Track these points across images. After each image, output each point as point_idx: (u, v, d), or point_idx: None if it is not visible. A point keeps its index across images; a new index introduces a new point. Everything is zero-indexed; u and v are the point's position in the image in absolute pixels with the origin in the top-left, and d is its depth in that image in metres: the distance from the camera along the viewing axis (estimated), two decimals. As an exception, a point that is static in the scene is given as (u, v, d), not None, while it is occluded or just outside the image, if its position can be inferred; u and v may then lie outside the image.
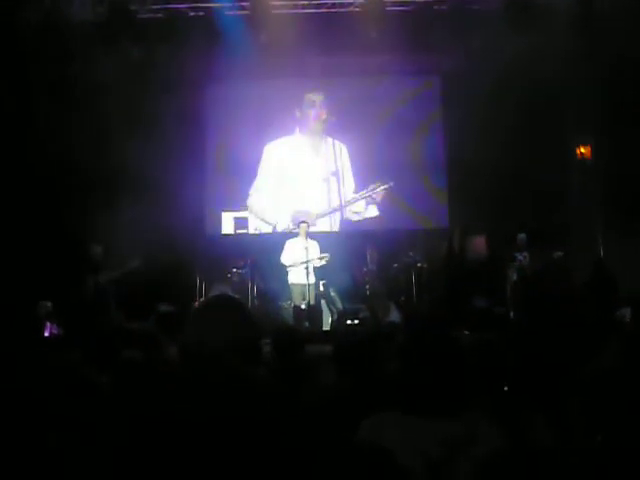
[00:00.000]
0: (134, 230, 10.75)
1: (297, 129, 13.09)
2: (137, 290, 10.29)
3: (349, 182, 12.92)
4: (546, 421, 2.34)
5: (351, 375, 3.04)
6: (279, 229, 12.67)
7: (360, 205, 12.80)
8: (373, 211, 12.80)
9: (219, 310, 2.09)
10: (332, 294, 10.98)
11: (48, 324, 8.85)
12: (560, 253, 10.49)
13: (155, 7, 11.90)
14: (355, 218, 12.86)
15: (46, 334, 8.56)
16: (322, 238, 11.00)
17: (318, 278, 10.80)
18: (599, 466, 1.80)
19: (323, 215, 12.42)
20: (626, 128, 10.58)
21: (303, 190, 12.87)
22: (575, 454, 2.09)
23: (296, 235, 10.83)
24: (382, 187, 12.55)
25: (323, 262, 10.57)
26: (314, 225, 11.74)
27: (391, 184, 12.52)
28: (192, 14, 11.94)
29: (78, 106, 11.19)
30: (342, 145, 12.96)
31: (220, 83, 13.06)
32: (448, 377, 2.08)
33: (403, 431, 1.97)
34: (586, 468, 1.91)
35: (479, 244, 10.26)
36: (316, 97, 13.00)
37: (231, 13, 11.93)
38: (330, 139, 12.98)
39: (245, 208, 12.92)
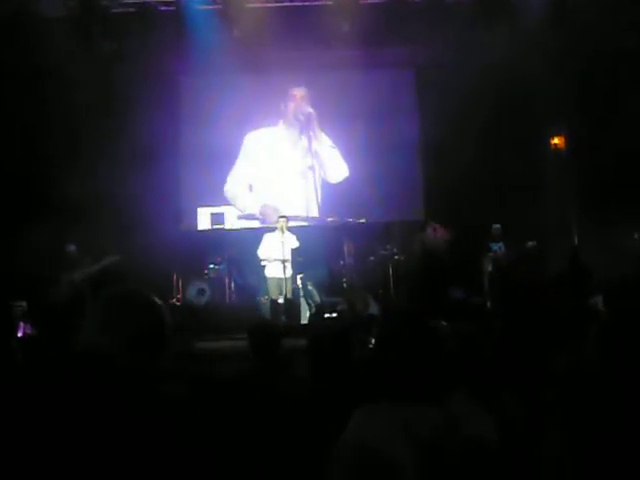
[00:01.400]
0: (109, 227, 10.71)
1: (280, 121, 13.06)
2: (113, 287, 10.20)
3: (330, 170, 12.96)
4: (523, 411, 2.36)
5: (324, 368, 3.04)
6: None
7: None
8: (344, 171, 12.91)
9: (117, 305, 2.00)
10: (309, 288, 10.97)
11: (22, 324, 8.76)
12: (534, 243, 10.57)
13: (127, 2, 11.79)
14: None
15: (20, 334, 8.47)
16: (299, 232, 10.97)
17: (295, 272, 10.79)
18: (574, 453, 1.82)
19: (294, 219, 12.33)
20: (599, 119, 10.68)
21: (279, 183, 12.85)
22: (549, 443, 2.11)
23: (273, 230, 10.76)
24: (358, 221, 12.58)
25: (299, 259, 10.55)
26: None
27: (363, 220, 12.56)
28: (163, 8, 11.85)
29: (49, 101, 11.08)
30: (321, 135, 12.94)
31: (194, 78, 12.99)
32: (429, 364, 2.10)
33: (391, 419, 1.97)
34: (560, 455, 1.93)
35: (439, 230, 10.29)
36: (297, 91, 12.97)
37: (202, 7, 11.85)
38: (305, 136, 12.93)
39: (221, 204, 12.86)
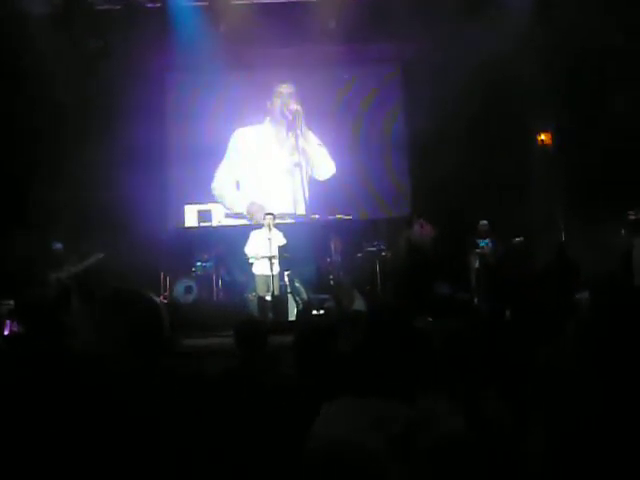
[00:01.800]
0: (95, 225, 10.67)
1: (267, 119, 13.03)
2: (100, 285, 10.18)
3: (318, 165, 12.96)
4: (504, 406, 2.36)
5: (309, 364, 3.04)
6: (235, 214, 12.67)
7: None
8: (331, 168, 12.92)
9: (118, 306, 1.98)
10: (297, 285, 10.96)
11: (9, 322, 8.72)
12: (521, 239, 10.60)
13: (112, -2, 11.73)
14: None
15: (6, 332, 8.43)
16: (287, 228, 10.95)
17: (283, 269, 10.77)
18: (552, 449, 1.83)
19: (281, 216, 12.30)
20: (586, 116, 10.71)
21: (266, 180, 12.83)
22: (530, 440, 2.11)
23: (260, 227, 10.73)
24: (344, 217, 12.55)
25: (285, 255, 10.53)
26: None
27: (350, 216, 12.54)
28: (149, 5, 11.79)
29: (34, 99, 11.01)
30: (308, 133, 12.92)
31: (180, 75, 12.96)
32: (404, 361, 2.10)
33: (360, 414, 1.97)
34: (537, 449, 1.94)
35: (425, 227, 10.30)
36: (283, 88, 12.95)
37: (188, 4, 11.80)
38: (292, 133, 12.92)
39: (208, 201, 12.83)
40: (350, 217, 12.53)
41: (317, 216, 12.53)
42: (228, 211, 12.82)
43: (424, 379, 2.16)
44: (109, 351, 1.85)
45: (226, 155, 12.95)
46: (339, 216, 12.47)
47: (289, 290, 10.85)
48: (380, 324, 2.27)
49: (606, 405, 1.63)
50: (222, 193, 12.87)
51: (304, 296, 10.81)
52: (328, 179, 12.91)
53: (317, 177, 12.92)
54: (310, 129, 12.87)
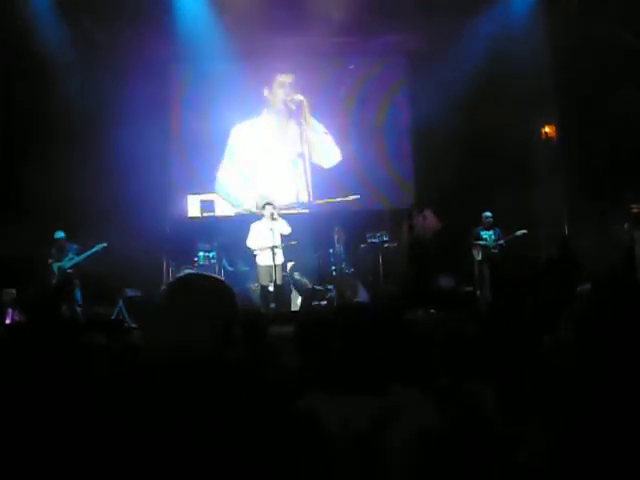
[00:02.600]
0: (98, 214, 10.69)
1: (264, 110, 13.02)
2: (103, 274, 10.21)
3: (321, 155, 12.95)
4: (502, 401, 2.36)
5: (310, 355, 3.03)
6: (244, 211, 12.63)
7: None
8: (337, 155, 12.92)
9: (192, 296, 1.90)
10: (297, 277, 10.99)
11: (11, 311, 8.77)
12: (524, 231, 10.58)
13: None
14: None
15: (8, 321, 8.48)
16: (289, 219, 10.92)
17: (287, 259, 10.76)
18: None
19: (288, 207, 12.29)
20: (591, 108, 10.67)
21: (270, 172, 12.81)
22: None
23: (260, 218, 10.64)
24: (351, 198, 12.53)
25: (292, 242, 10.50)
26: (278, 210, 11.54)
27: (358, 196, 12.52)
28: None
29: (40, 87, 11.02)
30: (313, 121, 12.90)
31: (184, 65, 12.92)
32: (372, 355, 2.10)
33: (332, 408, 1.97)
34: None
35: (429, 219, 10.29)
36: (285, 78, 12.92)
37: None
38: (295, 117, 12.91)
39: (211, 191, 12.83)
40: (358, 197, 12.50)
41: (325, 201, 12.51)
42: (238, 209, 12.78)
43: (399, 371, 2.16)
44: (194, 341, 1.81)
45: (226, 153, 12.92)
46: (351, 197, 12.45)
47: (292, 281, 10.86)
48: (340, 319, 2.28)
49: (605, 400, 1.63)
50: (227, 192, 12.85)
51: (307, 287, 10.83)
52: (332, 168, 12.88)
53: (323, 165, 12.90)
54: (315, 117, 12.86)
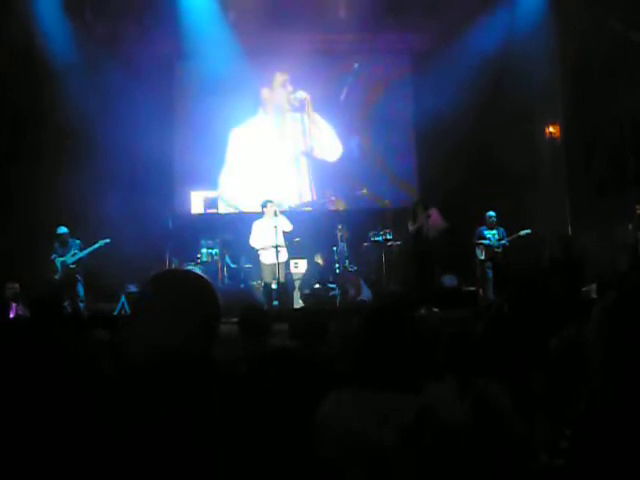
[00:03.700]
0: (101, 209, 10.68)
1: (270, 109, 13.01)
2: (105, 270, 10.21)
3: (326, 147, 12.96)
4: (512, 400, 2.36)
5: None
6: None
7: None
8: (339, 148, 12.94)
9: (172, 292, 1.84)
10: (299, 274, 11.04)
11: (14, 305, 8.77)
12: (528, 231, 10.56)
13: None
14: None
15: (11, 315, 8.48)
16: (293, 217, 10.89)
17: (291, 257, 10.73)
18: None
19: (293, 208, 12.28)
20: (595, 107, 10.64)
21: (271, 174, 12.79)
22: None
23: (262, 216, 10.46)
24: (364, 191, 12.53)
25: (295, 240, 10.47)
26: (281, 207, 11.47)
27: (364, 191, 12.51)
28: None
29: (42, 81, 11.03)
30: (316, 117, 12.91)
31: (187, 61, 12.88)
32: (403, 352, 2.10)
33: (370, 406, 1.98)
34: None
35: (434, 217, 10.25)
36: (286, 76, 12.91)
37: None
38: (299, 114, 12.91)
39: (214, 188, 12.83)
40: (366, 192, 12.52)
41: (333, 197, 12.53)
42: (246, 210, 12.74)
43: (427, 369, 2.16)
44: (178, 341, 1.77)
45: (227, 157, 12.93)
46: (364, 191, 12.46)
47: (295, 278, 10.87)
48: (369, 317, 2.27)
49: (623, 398, 1.61)
50: (231, 197, 12.85)
51: (309, 284, 10.85)
52: (337, 165, 12.88)
53: (326, 159, 12.90)
54: (318, 113, 12.86)
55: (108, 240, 10.14)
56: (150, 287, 1.87)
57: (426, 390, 2.04)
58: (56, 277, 9.98)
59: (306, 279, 10.96)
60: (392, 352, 2.08)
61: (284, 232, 10.18)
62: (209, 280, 1.98)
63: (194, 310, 1.81)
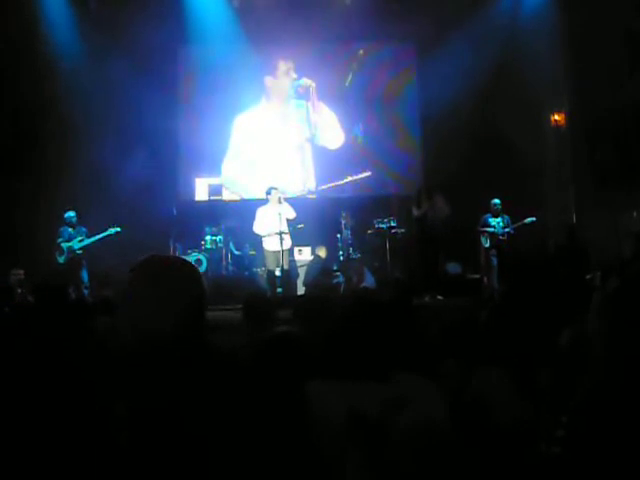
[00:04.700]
0: (107, 197, 10.69)
1: (268, 97, 12.97)
2: (110, 256, 10.21)
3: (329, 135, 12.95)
4: (518, 391, 2.35)
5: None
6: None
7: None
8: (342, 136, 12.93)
9: (158, 278, 1.81)
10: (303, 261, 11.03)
11: (19, 291, 8.77)
12: (533, 219, 10.52)
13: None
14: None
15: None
16: (296, 204, 10.86)
17: (294, 244, 10.71)
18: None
19: (297, 197, 12.27)
20: (601, 96, 10.59)
21: (276, 162, 12.78)
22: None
23: (266, 202, 10.41)
24: (361, 176, 12.51)
25: (299, 226, 10.45)
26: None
27: (369, 173, 12.48)
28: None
29: (47, 67, 11.02)
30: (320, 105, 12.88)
31: (192, 48, 12.87)
32: (374, 342, 2.10)
33: (341, 395, 1.97)
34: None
35: (438, 204, 10.20)
36: (290, 64, 12.87)
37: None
38: (303, 101, 12.88)
39: (218, 175, 12.83)
40: (370, 174, 12.49)
41: (334, 184, 12.53)
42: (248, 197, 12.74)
43: (402, 358, 2.15)
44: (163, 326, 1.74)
45: (230, 144, 12.91)
46: (363, 174, 12.45)
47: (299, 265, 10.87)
48: (345, 306, 2.27)
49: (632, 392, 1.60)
50: (234, 183, 12.85)
51: (313, 271, 10.84)
52: (341, 152, 12.86)
53: (329, 146, 12.89)
54: (321, 100, 12.83)
55: (119, 229, 10.09)
56: (136, 273, 1.84)
57: (395, 380, 2.03)
58: (60, 261, 9.98)
59: (310, 271, 10.95)
60: (359, 341, 2.08)
61: (288, 219, 10.15)
62: (194, 265, 1.96)
63: (180, 294, 1.79)
